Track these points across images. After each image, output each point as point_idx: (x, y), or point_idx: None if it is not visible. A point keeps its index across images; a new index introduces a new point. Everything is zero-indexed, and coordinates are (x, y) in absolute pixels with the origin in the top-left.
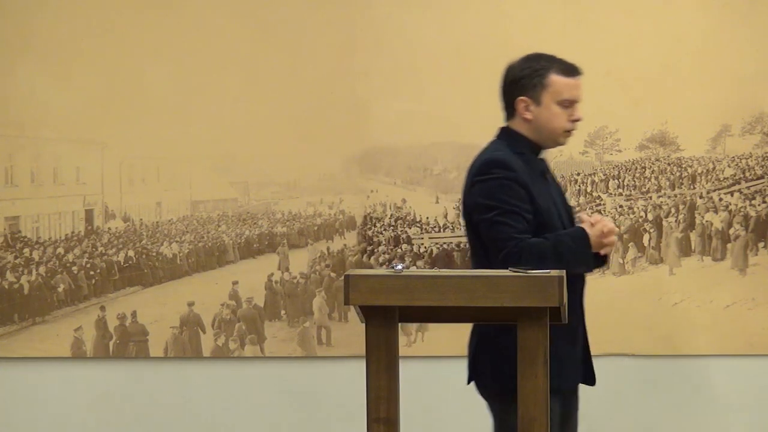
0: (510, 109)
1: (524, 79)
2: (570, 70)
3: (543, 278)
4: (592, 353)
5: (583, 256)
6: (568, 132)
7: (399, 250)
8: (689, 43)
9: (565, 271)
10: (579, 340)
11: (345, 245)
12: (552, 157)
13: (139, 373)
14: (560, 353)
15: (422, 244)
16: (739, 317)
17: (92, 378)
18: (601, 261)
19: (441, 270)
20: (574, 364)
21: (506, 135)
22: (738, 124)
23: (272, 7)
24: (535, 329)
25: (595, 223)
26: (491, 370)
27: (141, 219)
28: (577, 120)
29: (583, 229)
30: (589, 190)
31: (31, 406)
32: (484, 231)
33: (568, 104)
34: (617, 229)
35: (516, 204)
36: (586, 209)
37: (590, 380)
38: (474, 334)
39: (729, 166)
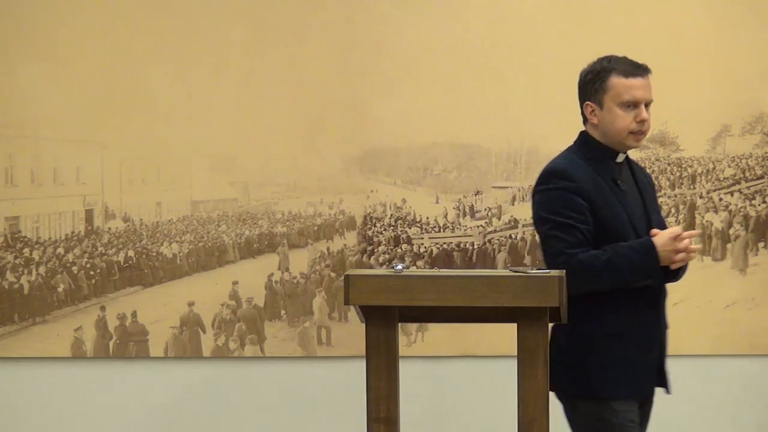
0: (583, 115)
1: (588, 84)
2: (630, 70)
3: (543, 278)
4: None
5: (646, 268)
6: (634, 134)
7: (399, 250)
8: (689, 43)
9: (617, 278)
10: (653, 348)
11: (345, 245)
12: (552, 156)
13: (139, 373)
14: (632, 362)
15: (422, 244)
16: (739, 317)
17: (92, 378)
18: (673, 273)
19: (441, 270)
20: (646, 373)
21: (580, 140)
22: (738, 124)
23: (272, 7)
24: (535, 329)
25: (669, 236)
26: (567, 370)
27: (141, 219)
28: (642, 121)
29: (650, 240)
30: None
31: (31, 406)
32: (541, 244)
33: (631, 105)
34: (693, 248)
35: (571, 215)
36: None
37: (664, 387)
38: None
39: (729, 166)
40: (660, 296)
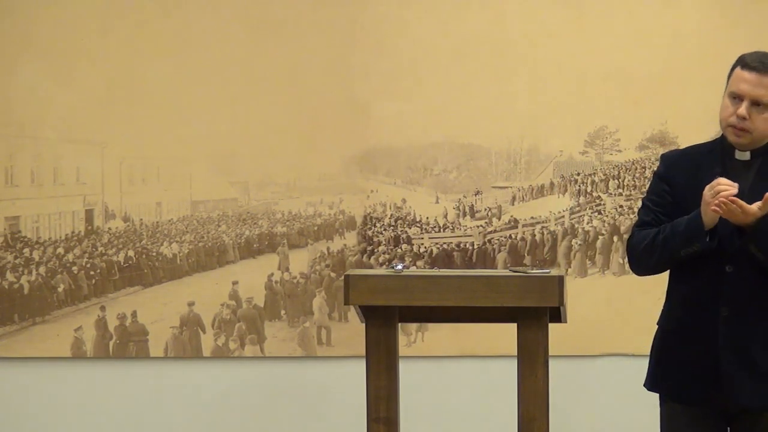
0: None
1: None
2: (750, 63)
3: (543, 278)
4: (593, 353)
5: (688, 228)
6: (732, 127)
7: (399, 250)
8: (689, 43)
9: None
10: (705, 348)
11: (345, 245)
12: (552, 156)
13: (139, 373)
14: (679, 361)
15: (422, 244)
16: None
17: (92, 378)
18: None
19: (441, 270)
20: (696, 376)
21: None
22: None
23: (272, 7)
24: (534, 329)
25: (706, 189)
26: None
27: (141, 219)
28: (738, 116)
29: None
30: (589, 190)
31: (31, 406)
32: None
33: (737, 97)
34: (728, 187)
35: (651, 198)
36: (585, 209)
37: (727, 395)
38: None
39: None
40: (724, 291)
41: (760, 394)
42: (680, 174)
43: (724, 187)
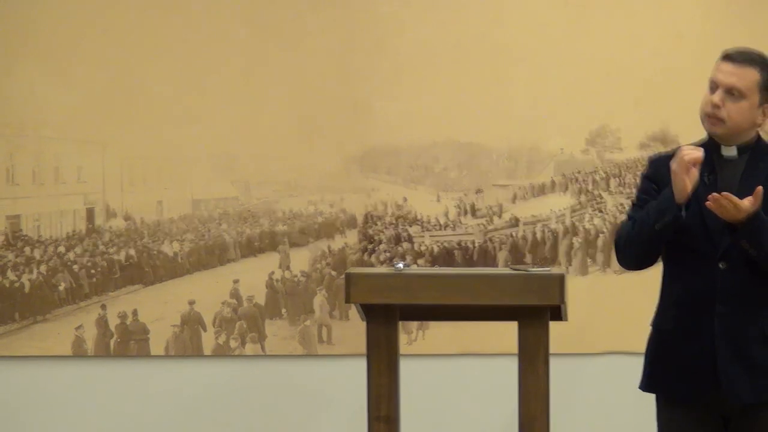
0: None
1: None
2: (727, 54)
3: (543, 277)
4: (594, 352)
5: (661, 202)
6: (708, 117)
7: (400, 249)
8: (689, 42)
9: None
10: (700, 347)
11: (346, 244)
12: (553, 155)
13: (139, 371)
14: (674, 360)
15: (423, 242)
16: None
17: (93, 377)
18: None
19: (442, 268)
20: (692, 374)
21: None
22: None
23: (272, 7)
24: (535, 328)
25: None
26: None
27: (142, 218)
28: (712, 105)
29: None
30: (590, 188)
31: (31, 405)
32: None
33: (714, 86)
34: (691, 151)
35: (640, 197)
36: (586, 208)
37: (726, 394)
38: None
39: None
40: (719, 288)
41: (759, 390)
42: (668, 174)
43: (687, 152)
